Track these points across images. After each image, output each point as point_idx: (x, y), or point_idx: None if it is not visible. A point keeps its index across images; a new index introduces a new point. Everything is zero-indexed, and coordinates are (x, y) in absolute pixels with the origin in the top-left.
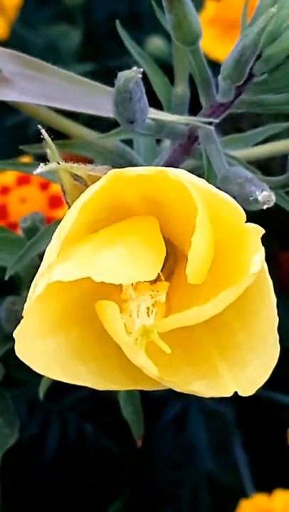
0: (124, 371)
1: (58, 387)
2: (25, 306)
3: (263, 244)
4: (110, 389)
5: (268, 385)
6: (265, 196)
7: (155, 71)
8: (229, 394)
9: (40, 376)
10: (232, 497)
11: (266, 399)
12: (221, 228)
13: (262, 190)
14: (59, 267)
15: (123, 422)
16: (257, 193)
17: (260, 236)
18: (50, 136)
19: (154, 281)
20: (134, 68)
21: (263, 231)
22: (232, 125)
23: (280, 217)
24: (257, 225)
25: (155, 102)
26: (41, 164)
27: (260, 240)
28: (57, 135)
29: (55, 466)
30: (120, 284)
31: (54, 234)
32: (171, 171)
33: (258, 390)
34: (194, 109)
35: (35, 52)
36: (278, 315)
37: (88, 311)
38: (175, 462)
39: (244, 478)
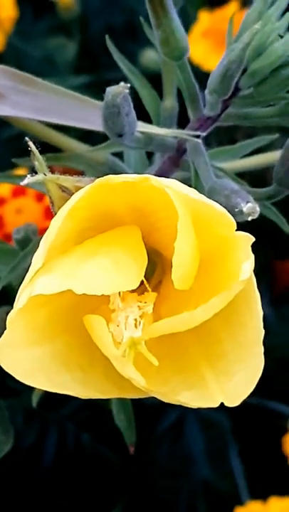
0: (109, 379)
1: (55, 397)
2: (8, 316)
3: (258, 254)
4: (94, 397)
5: (263, 393)
6: (250, 208)
7: (144, 85)
8: (216, 404)
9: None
10: (228, 504)
11: (261, 407)
12: (210, 238)
13: (247, 202)
14: (41, 279)
15: (120, 431)
16: (242, 204)
17: (250, 244)
18: (42, 149)
19: (142, 292)
20: (122, 84)
21: (252, 239)
22: (228, 136)
23: (275, 228)
24: (247, 234)
25: (144, 116)
26: (28, 175)
27: (250, 248)
28: (49, 149)
29: (53, 474)
30: (107, 295)
31: (41, 241)
32: (155, 178)
33: (253, 398)
34: (182, 122)
35: (32, 64)
36: (272, 324)
37: (75, 320)
38: (172, 470)
39: (240, 485)
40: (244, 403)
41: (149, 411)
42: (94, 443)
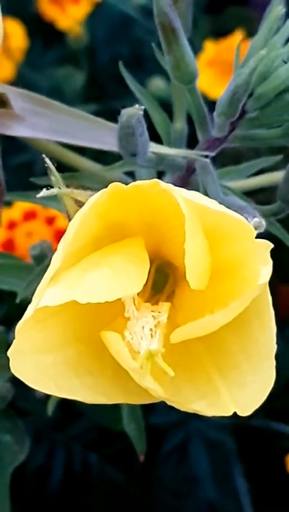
0: (117, 384)
1: (63, 418)
2: (17, 326)
3: None
4: (99, 402)
5: (267, 414)
6: (256, 222)
7: (155, 108)
8: (228, 413)
9: (44, 406)
10: None
11: (265, 429)
12: (228, 248)
13: (253, 217)
14: (48, 291)
15: (126, 452)
16: (249, 219)
17: (269, 250)
18: (57, 169)
19: (156, 303)
20: (136, 106)
21: (271, 245)
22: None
23: (279, 251)
24: (265, 240)
25: (156, 137)
26: (44, 189)
27: (268, 254)
28: (65, 169)
29: (61, 495)
30: (122, 303)
31: (59, 244)
32: (164, 182)
33: (258, 420)
34: (192, 143)
35: (41, 93)
36: (277, 347)
37: (88, 329)
38: (177, 491)
39: (245, 506)
40: (248, 425)
41: (154, 432)
42: (101, 463)
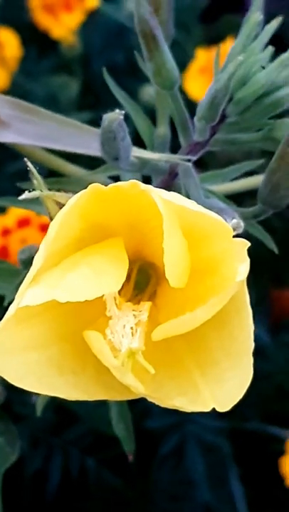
0: (99, 382)
1: (60, 423)
2: None
3: (256, 283)
4: (81, 399)
5: (262, 418)
6: (235, 223)
7: (139, 114)
8: (207, 409)
9: (42, 412)
10: None
11: (261, 432)
12: (207, 247)
13: (232, 218)
14: (29, 291)
15: (122, 456)
16: (228, 220)
17: (246, 249)
18: (44, 174)
19: (137, 302)
20: (117, 110)
21: (248, 244)
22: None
23: (271, 257)
24: (242, 239)
25: (139, 143)
26: (26, 192)
27: (245, 252)
28: (52, 174)
29: (58, 499)
30: (105, 303)
31: (41, 244)
32: (143, 184)
33: (253, 423)
34: (174, 147)
35: (36, 102)
36: (270, 351)
37: (71, 329)
38: (173, 494)
39: (240, 509)
40: (244, 428)
41: (149, 436)
42: (98, 468)
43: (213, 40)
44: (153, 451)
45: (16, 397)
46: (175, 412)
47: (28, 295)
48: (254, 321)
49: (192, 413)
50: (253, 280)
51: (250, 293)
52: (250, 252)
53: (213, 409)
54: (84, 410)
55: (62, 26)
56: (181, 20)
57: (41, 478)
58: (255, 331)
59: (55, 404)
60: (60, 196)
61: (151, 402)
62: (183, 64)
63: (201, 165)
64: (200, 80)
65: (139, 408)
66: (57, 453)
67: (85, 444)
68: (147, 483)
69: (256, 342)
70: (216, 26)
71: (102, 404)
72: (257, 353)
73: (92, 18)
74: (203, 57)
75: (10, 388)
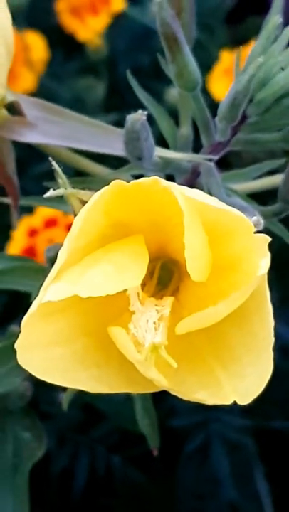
0: (122, 375)
1: (87, 421)
2: (23, 320)
3: (279, 284)
4: (103, 392)
5: (287, 417)
6: (255, 220)
7: (162, 114)
8: (229, 402)
9: (68, 409)
10: None
11: (285, 431)
12: (229, 244)
13: (253, 216)
14: (51, 287)
15: (148, 454)
16: (249, 217)
17: (267, 244)
18: (70, 174)
19: (160, 298)
20: (140, 111)
21: (269, 239)
22: None
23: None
24: (264, 235)
25: (163, 143)
26: (51, 190)
27: (266, 247)
28: (79, 175)
29: (84, 497)
30: (128, 298)
31: (65, 240)
32: (164, 180)
33: (278, 422)
34: (197, 147)
35: (63, 104)
36: None
37: (95, 324)
38: (198, 492)
39: (266, 507)
40: (269, 426)
41: (175, 434)
42: (123, 465)
43: (238, 41)
44: (178, 450)
45: (43, 395)
46: (200, 411)
47: (51, 291)
48: (278, 320)
49: (217, 412)
50: (276, 280)
51: (273, 292)
52: (274, 251)
53: (238, 407)
54: (110, 408)
55: (89, 29)
56: (206, 22)
57: (68, 476)
58: (279, 330)
59: (82, 402)
60: (84, 194)
61: (176, 401)
62: (208, 65)
63: (226, 165)
64: (224, 81)
65: (164, 407)
66: (83, 451)
67: (111, 442)
68: (172, 482)
69: (281, 341)
70: (241, 28)
71: (128, 402)
72: (281, 352)
73: (118, 21)
74: (227, 58)
75: (37, 385)
